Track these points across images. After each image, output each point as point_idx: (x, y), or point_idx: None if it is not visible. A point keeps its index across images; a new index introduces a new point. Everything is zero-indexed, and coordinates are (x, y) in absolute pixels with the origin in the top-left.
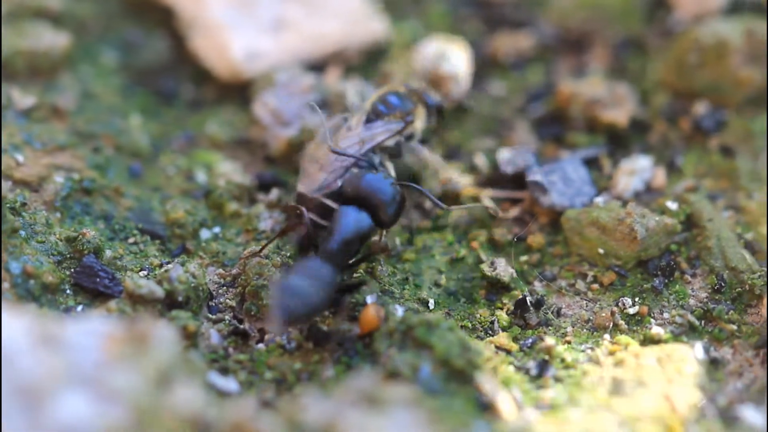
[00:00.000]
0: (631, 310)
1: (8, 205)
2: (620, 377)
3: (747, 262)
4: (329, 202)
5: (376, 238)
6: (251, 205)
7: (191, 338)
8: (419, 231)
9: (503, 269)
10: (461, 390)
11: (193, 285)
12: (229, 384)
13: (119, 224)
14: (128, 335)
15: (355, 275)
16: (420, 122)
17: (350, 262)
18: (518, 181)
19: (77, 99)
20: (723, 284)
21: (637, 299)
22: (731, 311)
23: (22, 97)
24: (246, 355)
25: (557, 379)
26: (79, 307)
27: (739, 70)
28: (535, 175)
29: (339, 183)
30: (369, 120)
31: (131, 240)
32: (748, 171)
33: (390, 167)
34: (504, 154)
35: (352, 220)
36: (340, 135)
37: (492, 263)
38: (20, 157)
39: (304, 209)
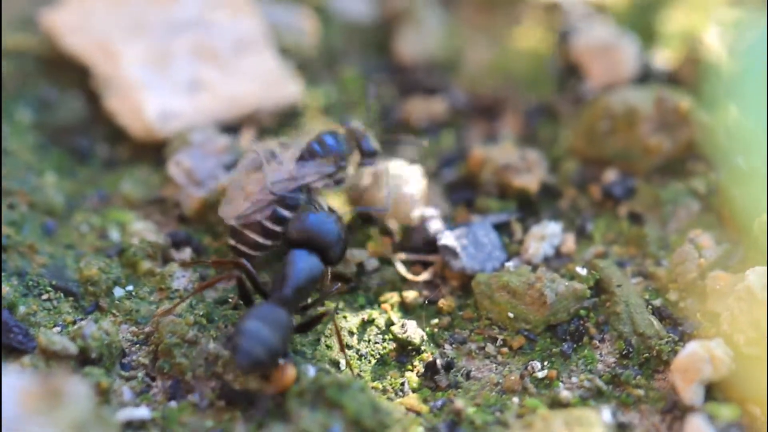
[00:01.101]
0: (540, 374)
1: None
2: None
3: (655, 328)
4: (269, 224)
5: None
6: (165, 264)
7: (104, 394)
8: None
9: (414, 331)
10: None
11: (106, 342)
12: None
13: (33, 281)
14: (44, 390)
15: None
16: (352, 168)
17: (303, 305)
18: (430, 244)
19: None
20: (631, 349)
21: (546, 363)
22: (639, 376)
23: None
24: (158, 413)
25: None
26: None
27: (648, 138)
28: (447, 239)
29: (258, 216)
30: (302, 158)
31: (45, 296)
32: (656, 238)
33: (323, 202)
34: (417, 219)
35: (305, 265)
36: (270, 167)
37: (403, 325)
38: None
39: (244, 261)
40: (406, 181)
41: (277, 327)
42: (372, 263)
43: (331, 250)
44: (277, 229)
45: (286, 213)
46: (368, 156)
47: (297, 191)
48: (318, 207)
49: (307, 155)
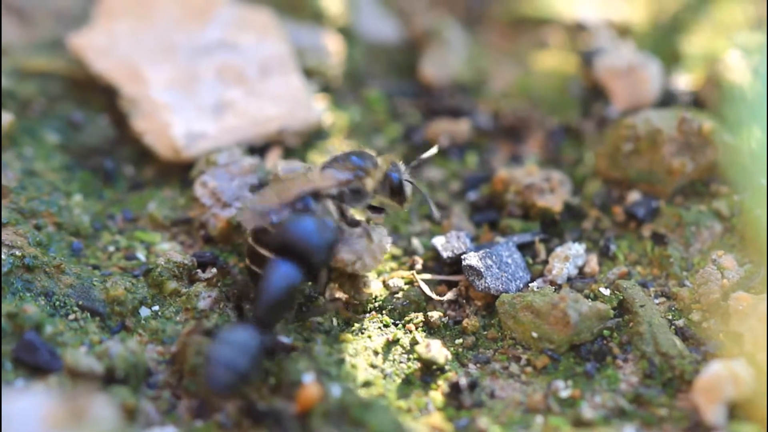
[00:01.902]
0: (564, 394)
1: None
2: None
3: (678, 348)
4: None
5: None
6: (191, 285)
7: (130, 414)
8: (356, 312)
9: (438, 351)
10: None
11: (132, 362)
12: None
13: (60, 301)
14: (69, 410)
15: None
16: (371, 183)
17: (287, 316)
18: (455, 264)
19: (19, 177)
20: (654, 369)
21: (569, 382)
22: (662, 396)
23: None
24: (184, 431)
25: None
26: (20, 382)
27: (672, 159)
28: (471, 260)
29: (262, 222)
30: (323, 168)
31: (71, 316)
32: (679, 259)
33: (332, 209)
34: (440, 239)
35: (280, 276)
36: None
37: (427, 345)
38: None
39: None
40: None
41: (244, 350)
42: (396, 283)
43: (310, 256)
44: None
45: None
46: (394, 190)
47: (308, 197)
48: (322, 213)
49: (327, 166)
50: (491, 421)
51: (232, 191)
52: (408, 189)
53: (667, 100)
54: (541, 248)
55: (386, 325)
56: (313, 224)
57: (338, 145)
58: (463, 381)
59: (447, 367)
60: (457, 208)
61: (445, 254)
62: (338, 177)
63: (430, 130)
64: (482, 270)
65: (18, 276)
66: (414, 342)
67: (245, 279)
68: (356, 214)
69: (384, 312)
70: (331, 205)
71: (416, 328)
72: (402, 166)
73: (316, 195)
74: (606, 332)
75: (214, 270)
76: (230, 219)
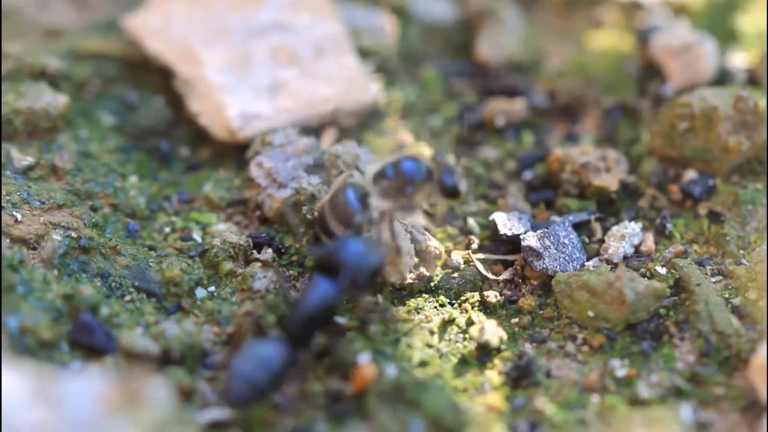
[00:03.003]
0: (620, 373)
1: (6, 262)
2: None
3: (734, 326)
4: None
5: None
6: (246, 265)
7: (186, 395)
8: (411, 293)
9: (492, 334)
10: None
11: (188, 343)
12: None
13: (116, 282)
14: (124, 391)
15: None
16: (420, 197)
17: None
18: (511, 243)
19: (75, 159)
20: (710, 348)
21: (625, 362)
22: (718, 375)
23: (20, 156)
24: (240, 413)
25: None
26: (76, 363)
27: (727, 138)
28: (530, 240)
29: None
30: (374, 181)
31: (127, 298)
32: (735, 237)
33: (384, 230)
34: (497, 218)
35: (319, 294)
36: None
37: (481, 329)
38: (18, 215)
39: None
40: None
41: (264, 367)
42: (454, 262)
43: (352, 278)
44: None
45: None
46: (449, 193)
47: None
48: (374, 228)
49: (377, 179)
50: (547, 401)
51: (287, 172)
52: (463, 187)
53: (723, 78)
54: (597, 227)
55: (442, 305)
56: (360, 246)
57: (393, 127)
58: (520, 361)
59: (503, 347)
60: (513, 188)
61: (502, 231)
62: (385, 196)
63: (486, 109)
64: (541, 251)
65: (74, 257)
66: (470, 322)
67: (275, 298)
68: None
69: (440, 291)
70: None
71: (472, 308)
72: (453, 164)
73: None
74: (662, 311)
75: (270, 251)
76: (285, 200)
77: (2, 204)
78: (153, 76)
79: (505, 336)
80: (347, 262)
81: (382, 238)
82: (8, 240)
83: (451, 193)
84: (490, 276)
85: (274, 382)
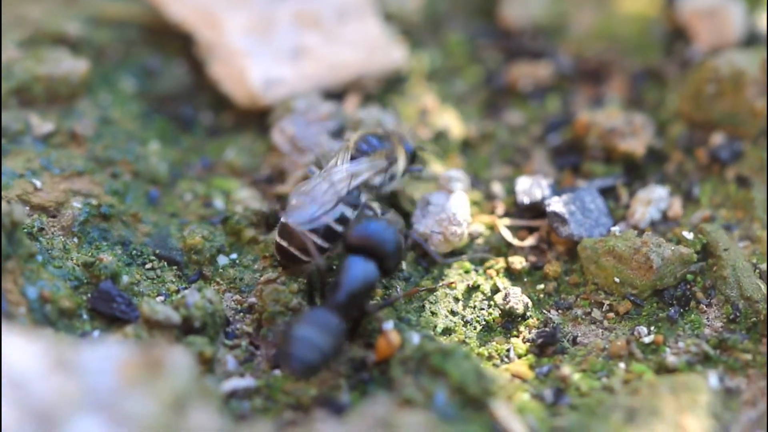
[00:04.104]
0: (647, 339)
1: (25, 230)
2: (634, 406)
3: (762, 291)
4: (334, 225)
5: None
6: (269, 232)
7: (207, 364)
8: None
9: (517, 300)
10: (476, 417)
11: (209, 311)
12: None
13: (137, 250)
14: (144, 360)
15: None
16: (402, 163)
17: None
18: (535, 209)
19: (95, 125)
20: (738, 314)
21: (652, 328)
22: (746, 341)
23: (40, 123)
24: (262, 381)
25: (572, 407)
26: (96, 332)
27: (755, 101)
28: (555, 206)
29: (325, 219)
30: (353, 157)
31: (148, 266)
32: (763, 201)
33: (377, 207)
34: (522, 183)
35: (361, 271)
36: (328, 169)
37: (506, 296)
38: (38, 183)
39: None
40: (451, 203)
41: (328, 332)
42: (477, 229)
43: (389, 259)
44: (340, 230)
45: (350, 213)
46: (409, 154)
47: (356, 190)
48: (375, 212)
49: (357, 154)
50: (573, 368)
51: (310, 138)
52: (423, 155)
53: (751, 40)
54: (623, 192)
55: (467, 271)
56: (390, 228)
57: (417, 91)
58: (545, 327)
59: (528, 314)
60: (538, 153)
61: (520, 198)
62: (378, 165)
63: (511, 73)
64: (566, 216)
65: (94, 225)
66: (495, 289)
67: (313, 270)
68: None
69: (464, 258)
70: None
71: (497, 274)
72: (409, 133)
73: (363, 187)
74: (689, 276)
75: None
76: (308, 166)
77: (22, 171)
78: (174, 40)
79: (530, 303)
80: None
81: (376, 211)
82: (28, 208)
83: (413, 156)
84: (516, 242)
85: (336, 348)
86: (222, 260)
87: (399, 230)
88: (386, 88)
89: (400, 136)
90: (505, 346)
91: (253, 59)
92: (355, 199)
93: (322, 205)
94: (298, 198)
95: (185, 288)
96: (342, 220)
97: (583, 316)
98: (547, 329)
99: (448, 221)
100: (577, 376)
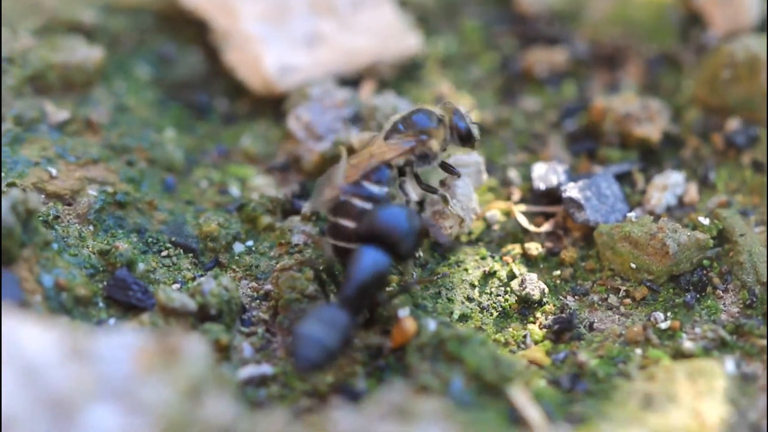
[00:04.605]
0: (663, 325)
1: (41, 218)
2: (651, 392)
3: None
4: (359, 202)
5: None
6: (284, 219)
7: (223, 351)
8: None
9: (533, 286)
10: (493, 403)
11: (225, 298)
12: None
13: (152, 237)
14: (160, 348)
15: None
16: (436, 143)
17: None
18: (551, 195)
19: (111, 113)
20: (755, 299)
21: (668, 314)
22: (762, 326)
23: (55, 111)
24: (279, 368)
25: (589, 393)
26: (111, 320)
27: None
28: (571, 191)
29: (347, 196)
30: (387, 137)
31: (164, 253)
32: None
33: (410, 188)
34: (538, 169)
35: (369, 262)
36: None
37: (522, 281)
38: (53, 171)
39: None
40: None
41: (333, 328)
42: (494, 215)
43: (401, 243)
44: (368, 206)
45: (374, 189)
46: (463, 137)
47: (382, 168)
48: (401, 194)
49: (390, 135)
50: (590, 355)
51: (325, 124)
52: (476, 131)
53: (766, 24)
54: (639, 178)
55: (483, 258)
56: (401, 213)
57: (433, 78)
58: (561, 313)
59: (544, 300)
60: (554, 139)
61: (536, 184)
62: (404, 146)
63: (527, 59)
64: (582, 202)
65: (110, 213)
66: (511, 275)
67: (332, 257)
68: (431, 179)
69: (481, 244)
70: (399, 177)
71: (513, 260)
72: (464, 110)
73: (387, 167)
74: (705, 262)
75: (308, 205)
76: (324, 153)
77: (37, 159)
78: (190, 27)
79: (546, 289)
80: (393, 228)
81: (410, 197)
82: (43, 196)
83: (465, 137)
84: (532, 228)
85: (343, 344)
86: (238, 247)
87: (411, 211)
88: (401, 75)
89: (456, 112)
90: (522, 333)
91: (269, 46)
92: (378, 177)
93: (341, 185)
94: (321, 186)
95: (201, 275)
96: (367, 197)
97: (600, 302)
98: (563, 315)
99: (439, 215)
100: (593, 362)
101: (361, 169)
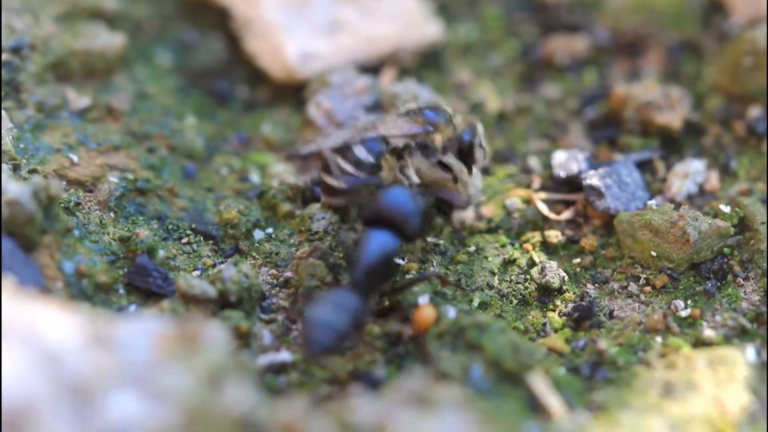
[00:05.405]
0: (683, 313)
1: (62, 205)
2: (671, 380)
3: None
4: (342, 162)
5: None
6: (304, 206)
7: (243, 338)
8: (472, 233)
9: (553, 274)
10: (512, 391)
11: (245, 285)
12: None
13: (173, 224)
14: (180, 335)
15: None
16: (440, 140)
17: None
18: (571, 183)
19: (132, 100)
20: None
21: (689, 302)
22: None
23: (77, 98)
24: (298, 356)
25: (608, 381)
26: (132, 307)
27: None
28: (592, 179)
29: (330, 150)
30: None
31: (184, 240)
32: None
33: (411, 173)
34: (558, 157)
35: (376, 244)
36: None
37: (542, 269)
38: (75, 157)
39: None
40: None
41: (344, 311)
42: (514, 203)
43: (406, 224)
44: (350, 169)
45: (362, 154)
46: (463, 150)
47: (378, 140)
48: (401, 177)
49: (400, 117)
50: (610, 342)
51: (346, 112)
52: (479, 154)
53: None
54: (660, 166)
55: (503, 245)
56: (405, 193)
57: (454, 65)
58: (582, 301)
59: (564, 288)
60: (575, 126)
61: (556, 172)
62: (406, 128)
63: (548, 46)
64: (603, 190)
65: (131, 200)
66: (531, 262)
67: (348, 240)
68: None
69: (500, 231)
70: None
71: (533, 248)
72: (480, 130)
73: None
74: (726, 250)
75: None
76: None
77: (59, 146)
78: (211, 15)
79: (566, 276)
80: (399, 210)
81: (412, 180)
82: (64, 182)
83: (466, 151)
84: (552, 216)
85: (353, 326)
86: (258, 234)
87: (415, 191)
88: (422, 62)
89: (471, 126)
90: (542, 320)
91: (289, 33)
92: (372, 145)
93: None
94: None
95: (221, 262)
96: (355, 161)
97: (620, 290)
98: (583, 303)
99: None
100: (613, 350)
101: (357, 137)
